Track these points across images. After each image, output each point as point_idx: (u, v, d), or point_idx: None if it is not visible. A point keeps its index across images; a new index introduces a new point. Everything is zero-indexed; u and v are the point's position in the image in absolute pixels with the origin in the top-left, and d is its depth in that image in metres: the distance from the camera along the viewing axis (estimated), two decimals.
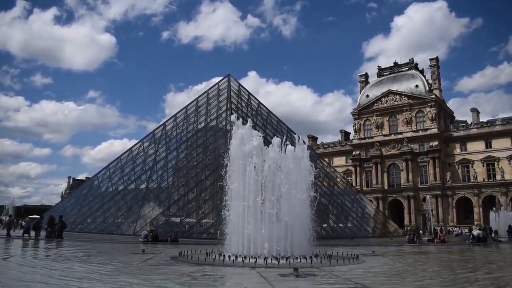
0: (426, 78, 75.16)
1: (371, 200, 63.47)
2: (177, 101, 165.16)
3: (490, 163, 65.25)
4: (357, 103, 79.41)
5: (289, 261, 12.11)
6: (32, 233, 26.69)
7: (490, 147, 65.47)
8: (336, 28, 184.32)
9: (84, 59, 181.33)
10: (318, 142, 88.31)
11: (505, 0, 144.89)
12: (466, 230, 44.82)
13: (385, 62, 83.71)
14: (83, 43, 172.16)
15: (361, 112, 76.73)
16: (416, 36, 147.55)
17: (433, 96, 70.26)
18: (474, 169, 65.31)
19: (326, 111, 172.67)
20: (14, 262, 12.02)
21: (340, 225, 39.84)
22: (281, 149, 15.15)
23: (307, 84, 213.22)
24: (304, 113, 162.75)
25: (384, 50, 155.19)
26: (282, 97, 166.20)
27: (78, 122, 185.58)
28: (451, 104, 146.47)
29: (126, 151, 44.99)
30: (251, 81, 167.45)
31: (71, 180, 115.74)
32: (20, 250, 17.69)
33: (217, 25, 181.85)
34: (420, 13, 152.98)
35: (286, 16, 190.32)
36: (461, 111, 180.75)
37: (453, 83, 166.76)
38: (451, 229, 56.63)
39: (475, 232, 30.42)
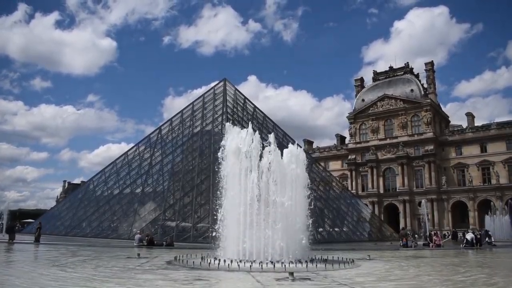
0: (422, 83, 75.43)
1: (366, 204, 63.59)
2: (176, 105, 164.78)
3: (485, 167, 65.46)
4: (353, 108, 79.61)
5: (285, 265, 12.12)
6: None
7: (485, 151, 65.67)
8: (336, 33, 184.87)
9: (85, 64, 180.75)
10: (314, 146, 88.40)
11: (506, 6, 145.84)
12: (461, 234, 44.87)
13: (385, 66, 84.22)
14: (84, 48, 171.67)
15: (356, 116, 76.88)
16: (416, 41, 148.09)
17: (429, 100, 70.51)
18: (469, 173, 65.46)
19: (325, 115, 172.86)
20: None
21: (336, 229, 39.83)
22: (277, 154, 15.19)
23: (307, 88, 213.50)
24: (302, 117, 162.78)
25: (384, 55, 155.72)
26: (281, 101, 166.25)
27: (76, 126, 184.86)
28: (448, 108, 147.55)
29: (122, 155, 44.95)
30: (251, 86, 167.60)
31: (66, 184, 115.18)
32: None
33: (218, 30, 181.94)
34: (421, 18, 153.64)
35: (287, 21, 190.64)
36: (458, 116, 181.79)
37: (451, 87, 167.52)
38: (446, 233, 56.79)
39: (469, 236, 30.42)
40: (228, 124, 16.54)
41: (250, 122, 17.55)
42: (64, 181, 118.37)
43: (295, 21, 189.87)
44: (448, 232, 58.91)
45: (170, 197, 37.45)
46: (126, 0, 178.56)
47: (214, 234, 14.98)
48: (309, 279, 9.99)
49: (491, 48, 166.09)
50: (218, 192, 15.38)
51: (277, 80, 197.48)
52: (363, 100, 78.01)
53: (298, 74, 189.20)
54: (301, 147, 16.46)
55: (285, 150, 15.55)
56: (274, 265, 12.19)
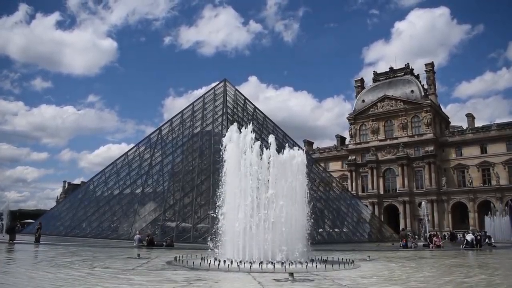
0: (422, 84, 75.43)
1: (366, 205, 63.54)
2: (176, 105, 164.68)
3: (485, 168, 65.39)
4: (353, 108, 79.61)
5: (285, 266, 12.11)
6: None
7: (486, 152, 65.59)
8: (337, 33, 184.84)
9: (85, 64, 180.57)
10: (314, 147, 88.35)
11: (506, 7, 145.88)
12: (461, 235, 44.92)
13: (385, 67, 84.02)
14: (84, 48, 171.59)
15: (356, 117, 76.86)
16: (417, 42, 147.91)
17: (429, 101, 70.47)
18: (469, 174, 65.38)
19: (325, 116, 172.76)
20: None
21: (336, 230, 39.86)
22: (277, 154, 15.20)
23: (308, 89, 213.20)
24: (302, 118, 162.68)
25: (384, 55, 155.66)
26: (281, 102, 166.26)
27: (77, 127, 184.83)
28: (449, 109, 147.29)
29: (122, 156, 44.98)
30: (251, 86, 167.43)
31: (66, 185, 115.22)
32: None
33: (218, 31, 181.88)
34: (422, 19, 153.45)
35: (288, 22, 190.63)
36: (459, 117, 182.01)
37: (452, 88, 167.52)
38: (446, 234, 56.76)
39: (469, 237, 30.42)
40: (227, 133, 16.47)
41: (250, 123, 17.55)
42: (64, 182, 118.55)
43: (295, 21, 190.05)
44: (447, 233, 58.92)
45: (170, 198, 37.46)
46: (127, 0, 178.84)
47: (214, 234, 14.97)
48: (309, 279, 10.00)
49: (492, 49, 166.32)
50: (218, 193, 15.37)
51: (277, 80, 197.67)
52: (363, 101, 77.99)
53: (299, 75, 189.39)
54: (301, 147, 16.42)
55: (285, 153, 15.54)
56: (274, 266, 12.19)
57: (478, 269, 14.63)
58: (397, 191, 69.05)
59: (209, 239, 15.31)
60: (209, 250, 14.81)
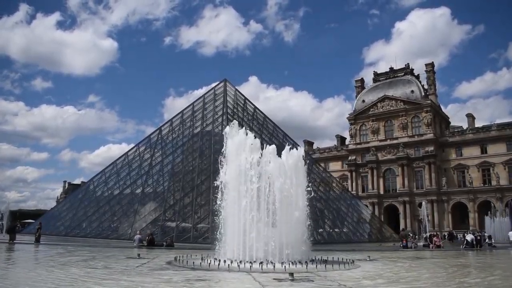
0: (422, 84, 75.44)
1: (366, 205, 63.55)
2: (176, 106, 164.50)
3: (485, 168, 65.42)
4: (353, 108, 79.61)
5: (285, 266, 12.11)
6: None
7: (486, 152, 65.62)
8: (337, 34, 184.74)
9: (85, 64, 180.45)
10: (314, 147, 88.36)
11: (507, 7, 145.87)
12: (461, 235, 44.86)
13: (386, 67, 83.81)
14: (85, 48, 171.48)
15: (357, 117, 76.87)
16: (417, 42, 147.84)
17: (429, 101, 70.49)
18: (469, 174, 65.40)
19: (326, 116, 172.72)
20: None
21: (336, 230, 39.84)
22: (277, 155, 15.19)
23: (308, 89, 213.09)
24: (303, 118, 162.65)
25: (385, 55, 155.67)
26: (281, 102, 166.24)
27: (77, 127, 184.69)
28: (449, 109, 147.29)
29: (122, 156, 44.99)
30: (252, 86, 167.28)
31: (66, 185, 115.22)
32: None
33: (219, 31, 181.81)
34: (422, 19, 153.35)
35: (289, 22, 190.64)
36: (459, 117, 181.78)
37: (452, 88, 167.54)
38: (446, 234, 56.74)
39: (469, 237, 30.42)
40: (227, 127, 16.42)
41: (250, 124, 17.55)
42: (65, 182, 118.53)
43: (296, 21, 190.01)
44: (447, 233, 58.88)
45: (170, 198, 37.47)
46: (127, 0, 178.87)
47: (214, 234, 14.96)
48: (309, 279, 9.99)
49: (492, 49, 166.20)
50: (219, 193, 15.33)
51: (278, 80, 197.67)
52: (363, 101, 78.00)
53: (299, 75, 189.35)
54: (300, 146, 16.38)
55: (285, 153, 15.52)
56: (274, 266, 12.19)
57: (486, 270, 14.56)
58: (397, 191, 69.07)
59: (209, 239, 15.31)
60: (215, 250, 14.77)
